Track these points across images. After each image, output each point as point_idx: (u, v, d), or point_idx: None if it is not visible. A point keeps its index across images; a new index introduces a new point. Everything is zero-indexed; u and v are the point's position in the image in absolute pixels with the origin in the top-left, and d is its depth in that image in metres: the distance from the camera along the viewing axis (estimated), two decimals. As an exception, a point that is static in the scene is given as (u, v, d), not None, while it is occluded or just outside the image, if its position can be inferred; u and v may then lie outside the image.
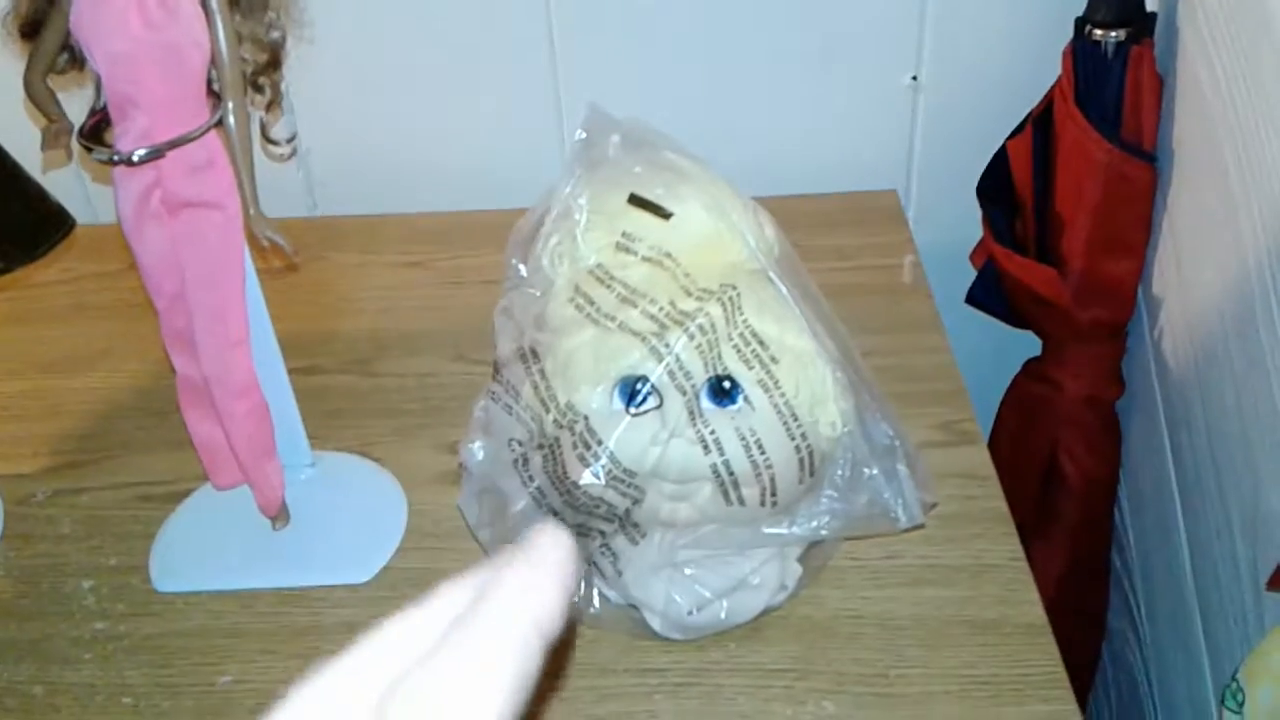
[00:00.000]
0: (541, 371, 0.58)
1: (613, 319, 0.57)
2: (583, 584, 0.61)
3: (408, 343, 0.84)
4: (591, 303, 0.58)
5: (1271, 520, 0.64)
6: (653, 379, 0.55)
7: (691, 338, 0.55)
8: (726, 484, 0.56)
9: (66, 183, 0.97)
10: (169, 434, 0.75)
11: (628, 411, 0.55)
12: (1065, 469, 0.90)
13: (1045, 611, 0.62)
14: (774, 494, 0.56)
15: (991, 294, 0.93)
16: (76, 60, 0.55)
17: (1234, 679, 0.53)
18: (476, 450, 0.60)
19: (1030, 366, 0.93)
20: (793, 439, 0.56)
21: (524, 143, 0.95)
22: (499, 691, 0.19)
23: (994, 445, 0.93)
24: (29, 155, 0.65)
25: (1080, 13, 0.80)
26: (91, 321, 0.88)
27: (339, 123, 0.93)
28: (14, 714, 0.61)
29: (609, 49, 0.91)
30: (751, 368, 0.56)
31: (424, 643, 0.20)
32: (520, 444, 0.59)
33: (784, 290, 0.58)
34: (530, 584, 0.20)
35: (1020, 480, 0.89)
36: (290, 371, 0.66)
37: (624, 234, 0.59)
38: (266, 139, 0.60)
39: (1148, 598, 0.88)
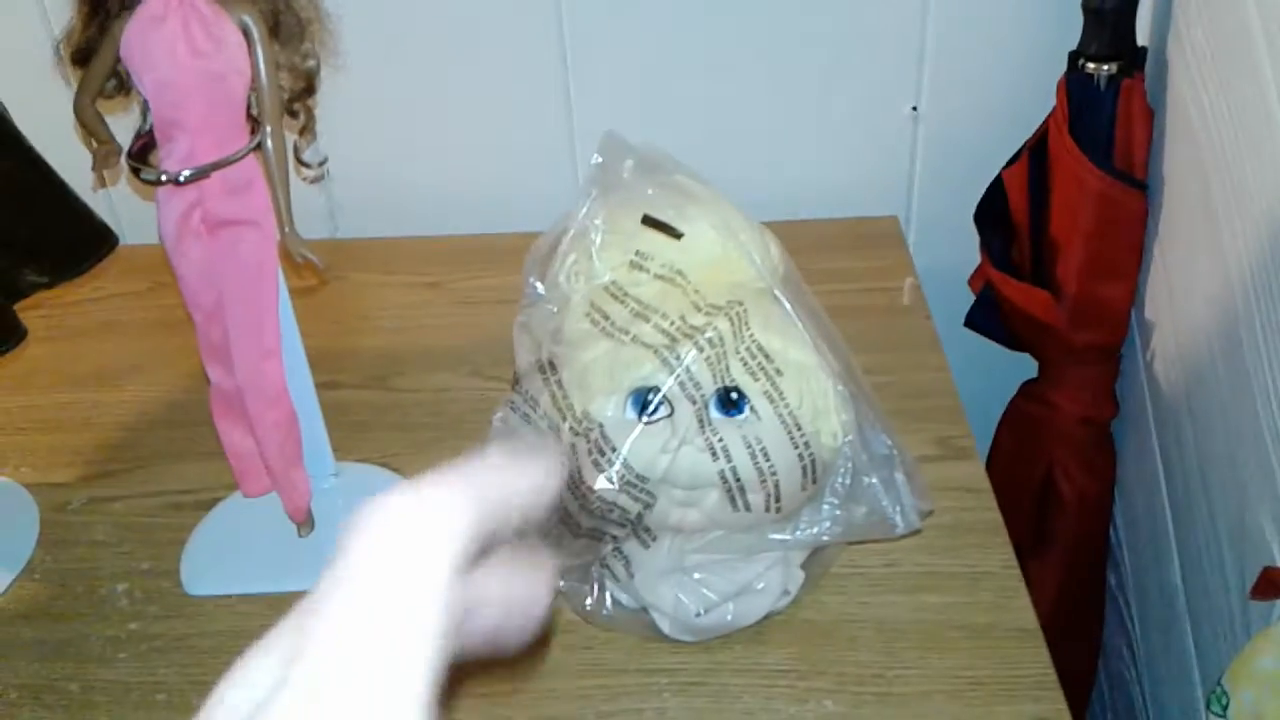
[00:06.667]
0: (559, 382, 0.60)
1: (626, 333, 0.59)
2: (596, 588, 0.63)
3: (425, 359, 0.86)
4: (606, 318, 0.60)
5: (1256, 533, 0.66)
6: (664, 390, 0.57)
7: (701, 351, 0.58)
8: (733, 490, 0.58)
9: (95, 205, 0.99)
10: (198, 445, 0.78)
11: (640, 420, 0.57)
12: (1061, 488, 0.91)
13: (1041, 625, 0.64)
14: (778, 500, 0.59)
15: (989, 317, 0.94)
16: (124, 86, 0.58)
17: (1219, 684, 0.54)
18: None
19: (1027, 388, 0.94)
20: (796, 448, 0.58)
21: (537, 170, 0.97)
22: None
23: (992, 465, 0.95)
24: (74, 176, 0.68)
25: (1073, 47, 0.83)
26: (122, 338, 0.90)
27: (360, 148, 0.95)
28: (53, 710, 0.63)
29: (620, 81, 0.93)
30: (757, 380, 0.58)
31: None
32: (537, 452, 0.61)
33: (788, 307, 0.60)
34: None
35: (1018, 499, 0.90)
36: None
37: (637, 253, 0.61)
38: (299, 161, 0.63)
39: (1141, 612, 0.89)
